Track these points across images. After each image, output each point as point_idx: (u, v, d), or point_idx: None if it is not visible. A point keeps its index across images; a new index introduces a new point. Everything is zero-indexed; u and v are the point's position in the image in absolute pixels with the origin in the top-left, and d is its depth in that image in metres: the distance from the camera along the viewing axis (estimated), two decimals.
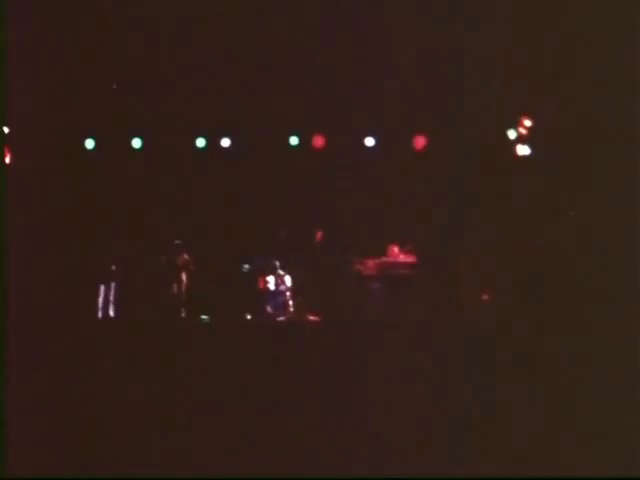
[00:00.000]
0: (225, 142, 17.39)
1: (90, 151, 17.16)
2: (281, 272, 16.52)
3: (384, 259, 15.81)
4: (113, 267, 16.02)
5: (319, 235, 15.91)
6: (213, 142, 17.32)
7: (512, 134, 16.17)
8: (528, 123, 15.81)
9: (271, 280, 16.52)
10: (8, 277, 9.24)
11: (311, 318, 15.43)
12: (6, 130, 15.17)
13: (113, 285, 16.04)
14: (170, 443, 8.77)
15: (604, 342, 10.04)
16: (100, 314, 15.87)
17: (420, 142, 17.01)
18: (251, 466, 8.38)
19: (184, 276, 16.10)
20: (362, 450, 8.56)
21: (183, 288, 16.14)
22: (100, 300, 15.93)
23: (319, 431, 8.92)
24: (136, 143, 17.23)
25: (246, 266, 16.56)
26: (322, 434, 8.86)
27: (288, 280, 16.46)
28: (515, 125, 16.02)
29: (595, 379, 9.39)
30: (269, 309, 16.38)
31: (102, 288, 15.98)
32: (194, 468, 8.41)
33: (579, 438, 8.58)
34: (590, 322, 10.71)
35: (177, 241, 16.14)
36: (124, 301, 15.84)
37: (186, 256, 16.09)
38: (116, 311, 15.87)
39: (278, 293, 16.49)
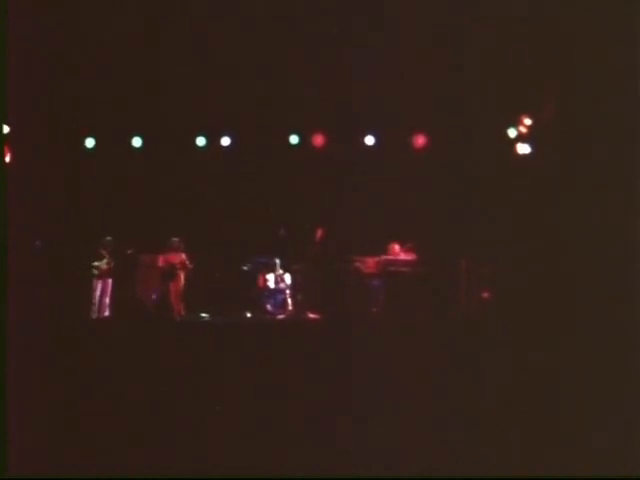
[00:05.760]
0: (225, 141, 17.45)
1: (90, 150, 17.21)
2: (281, 270, 16.54)
3: (384, 257, 15.82)
4: (112, 265, 16.04)
5: (319, 233, 15.91)
6: (213, 141, 17.37)
7: (512, 132, 16.19)
8: (528, 122, 15.82)
9: (271, 278, 16.55)
10: (8, 276, 9.23)
11: (311, 316, 15.45)
12: (6, 130, 15.20)
13: (111, 283, 16.07)
14: (170, 442, 8.73)
15: (605, 341, 10.04)
16: (100, 313, 15.89)
17: (420, 141, 17.05)
18: (251, 465, 8.36)
19: (181, 275, 16.12)
20: (362, 449, 8.53)
21: (180, 287, 16.15)
22: (99, 299, 15.95)
23: (319, 430, 8.89)
24: (136, 142, 17.28)
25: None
26: (322, 433, 8.84)
27: (288, 278, 16.49)
28: (515, 123, 16.04)
29: (596, 378, 9.37)
30: (269, 307, 16.42)
31: (101, 286, 16.00)
32: (194, 468, 8.38)
33: (580, 438, 8.56)
34: (590, 321, 10.71)
35: (174, 239, 16.14)
36: (123, 299, 15.84)
37: (183, 255, 16.11)
38: (115, 309, 15.88)
39: (278, 291, 16.53)
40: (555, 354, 10.01)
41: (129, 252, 15.84)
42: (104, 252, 15.97)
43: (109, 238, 16.01)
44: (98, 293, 15.91)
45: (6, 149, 15.05)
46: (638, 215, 10.30)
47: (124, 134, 17.15)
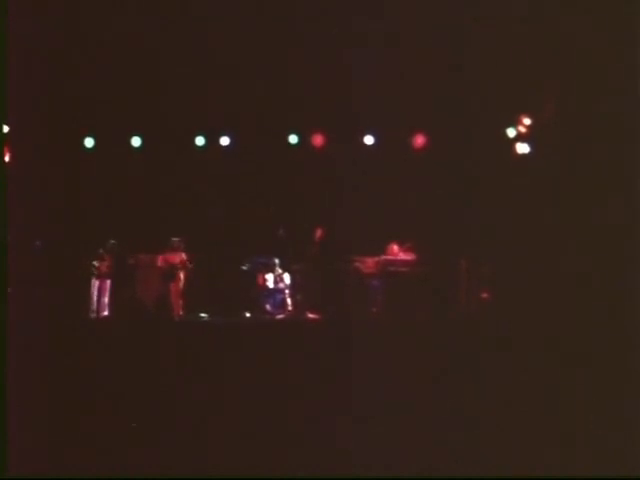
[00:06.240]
0: (224, 141, 17.44)
1: (90, 150, 17.21)
2: (280, 270, 16.54)
3: (383, 257, 15.81)
4: (112, 265, 16.07)
5: (319, 233, 15.90)
6: (212, 141, 17.36)
7: (511, 132, 16.19)
8: (527, 121, 15.82)
9: (270, 278, 16.55)
10: (8, 276, 9.24)
11: (310, 316, 15.44)
12: (6, 130, 15.20)
13: (110, 283, 16.09)
14: (170, 442, 8.73)
15: (605, 341, 10.05)
16: (99, 313, 15.90)
17: (419, 140, 17.05)
18: (251, 465, 8.35)
19: (181, 275, 16.10)
20: (362, 449, 8.53)
21: (180, 286, 16.13)
22: (97, 298, 15.97)
23: (319, 430, 8.89)
24: (135, 142, 17.28)
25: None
26: (322, 433, 8.84)
27: (287, 278, 16.49)
28: (514, 123, 16.04)
29: (596, 378, 9.38)
30: (268, 307, 16.42)
31: (101, 286, 16.02)
32: (194, 468, 8.38)
33: (580, 438, 8.56)
34: (591, 321, 10.71)
35: (175, 239, 16.12)
36: (123, 299, 15.83)
37: (183, 255, 16.09)
38: (115, 309, 15.88)
39: (277, 291, 16.53)
40: (555, 354, 10.01)
41: (131, 262, 15.94)
42: (106, 255, 16.00)
43: (113, 242, 16.05)
44: (96, 293, 15.94)
45: (6, 149, 15.06)
46: (638, 215, 10.30)
47: (124, 134, 17.14)
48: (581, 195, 12.96)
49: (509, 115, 16.06)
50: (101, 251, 16.05)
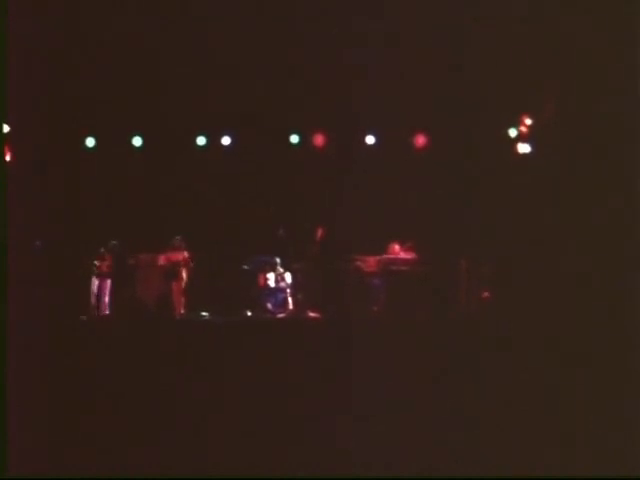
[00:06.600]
0: (226, 140, 17.45)
1: (90, 150, 17.22)
2: (281, 269, 16.54)
3: (384, 256, 15.81)
4: (112, 265, 16.08)
5: (320, 232, 15.90)
6: (214, 140, 17.37)
7: (513, 132, 16.20)
8: (529, 121, 15.83)
9: (271, 277, 16.55)
10: (8, 276, 9.25)
11: (311, 315, 15.45)
12: (6, 130, 15.21)
13: (110, 283, 16.10)
14: (170, 442, 8.75)
15: (605, 341, 10.05)
16: (99, 312, 15.90)
17: (420, 140, 17.05)
18: (251, 465, 8.37)
19: (184, 273, 16.11)
20: (362, 449, 8.55)
21: (182, 285, 16.14)
22: (98, 298, 15.98)
23: (319, 429, 8.91)
24: (136, 141, 17.28)
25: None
26: (322, 432, 8.85)
27: (288, 277, 16.48)
28: (516, 123, 16.05)
29: (596, 378, 9.38)
30: (269, 306, 16.40)
31: (101, 286, 16.03)
32: (194, 467, 8.40)
33: (580, 438, 8.57)
34: (591, 321, 10.71)
35: (177, 237, 16.13)
36: (123, 299, 15.84)
37: (185, 253, 16.09)
38: (116, 308, 15.88)
39: (278, 290, 16.52)
40: (555, 354, 10.02)
41: (131, 261, 15.96)
42: (107, 254, 16.01)
43: (114, 242, 16.07)
44: (96, 292, 15.96)
45: (6, 149, 15.07)
46: (638, 215, 10.31)
47: (124, 134, 17.14)
48: (581, 195, 12.95)
49: (510, 115, 16.07)
50: (102, 250, 16.05)
